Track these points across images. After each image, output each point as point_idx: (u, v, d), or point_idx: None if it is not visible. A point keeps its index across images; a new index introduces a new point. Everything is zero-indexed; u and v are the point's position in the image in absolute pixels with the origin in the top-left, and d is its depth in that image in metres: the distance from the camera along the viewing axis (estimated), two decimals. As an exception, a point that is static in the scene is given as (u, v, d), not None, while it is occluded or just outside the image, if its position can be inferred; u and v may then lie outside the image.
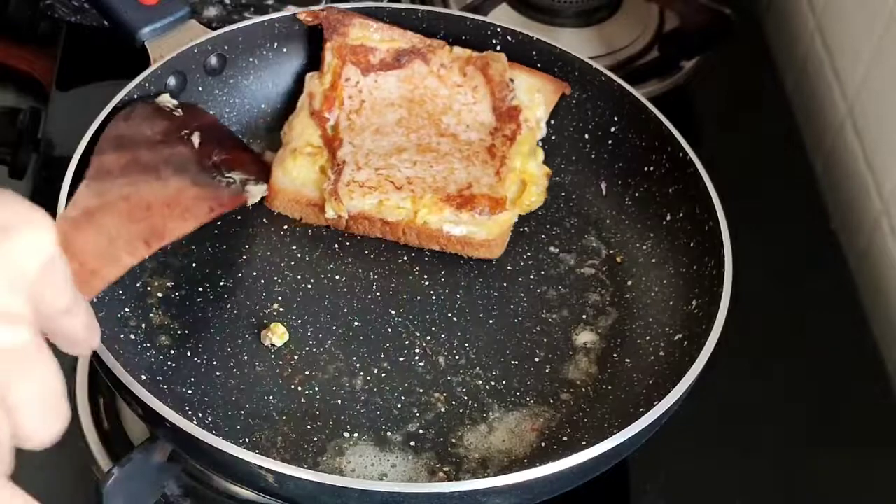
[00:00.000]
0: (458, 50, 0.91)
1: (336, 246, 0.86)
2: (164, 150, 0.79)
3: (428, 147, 0.86)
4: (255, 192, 0.84)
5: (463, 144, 0.87)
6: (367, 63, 0.89)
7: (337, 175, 0.83)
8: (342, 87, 0.87)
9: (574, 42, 1.06)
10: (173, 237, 0.74)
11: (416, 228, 0.84)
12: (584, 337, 0.83)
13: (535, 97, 0.90)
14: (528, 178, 0.87)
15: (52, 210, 0.77)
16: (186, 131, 0.82)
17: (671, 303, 0.82)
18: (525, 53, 0.94)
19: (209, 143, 0.82)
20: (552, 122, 0.92)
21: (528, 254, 0.87)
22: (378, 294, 0.83)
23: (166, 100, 0.84)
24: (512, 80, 0.90)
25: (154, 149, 0.79)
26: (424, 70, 0.89)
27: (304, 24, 0.91)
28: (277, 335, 0.80)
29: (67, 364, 0.75)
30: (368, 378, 0.79)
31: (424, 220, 0.83)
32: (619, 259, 0.87)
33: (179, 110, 0.84)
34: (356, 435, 0.76)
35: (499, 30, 0.94)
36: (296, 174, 0.85)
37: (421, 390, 0.78)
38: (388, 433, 0.76)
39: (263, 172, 0.86)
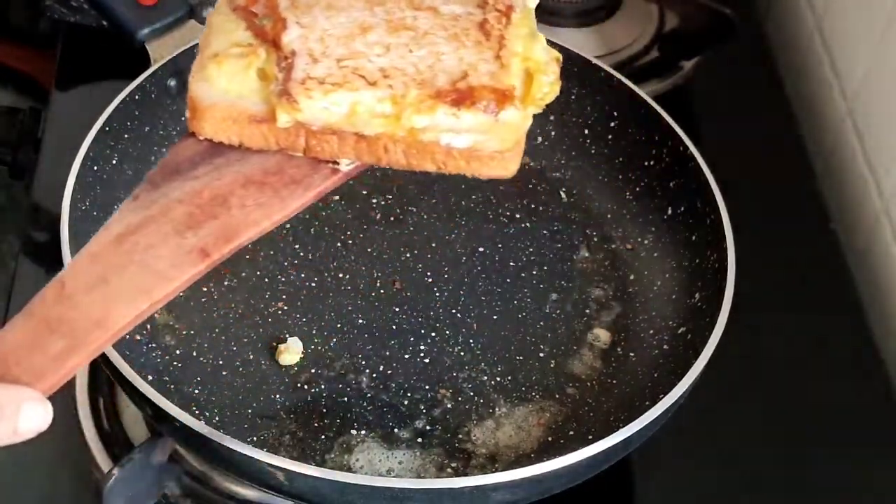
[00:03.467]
0: None
1: (339, 244, 0.86)
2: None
3: (401, 24, 0.66)
4: None
5: (446, 20, 0.67)
6: None
7: (287, 71, 0.62)
8: None
9: (574, 42, 1.05)
10: (253, 231, 0.60)
11: (403, 142, 0.62)
12: (588, 331, 0.83)
13: None
14: (534, 66, 0.66)
15: (53, 212, 0.78)
16: None
17: (674, 296, 0.82)
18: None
19: None
20: (551, 117, 0.92)
21: (531, 249, 0.87)
22: (382, 291, 0.83)
23: None
24: None
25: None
26: None
27: None
28: (294, 352, 0.79)
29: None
30: (374, 375, 0.78)
31: (412, 127, 0.62)
32: (621, 254, 0.87)
33: None
34: (363, 432, 0.75)
35: (499, 28, 0.93)
36: (225, 84, 0.64)
37: (427, 386, 0.78)
38: (396, 430, 0.76)
39: None
